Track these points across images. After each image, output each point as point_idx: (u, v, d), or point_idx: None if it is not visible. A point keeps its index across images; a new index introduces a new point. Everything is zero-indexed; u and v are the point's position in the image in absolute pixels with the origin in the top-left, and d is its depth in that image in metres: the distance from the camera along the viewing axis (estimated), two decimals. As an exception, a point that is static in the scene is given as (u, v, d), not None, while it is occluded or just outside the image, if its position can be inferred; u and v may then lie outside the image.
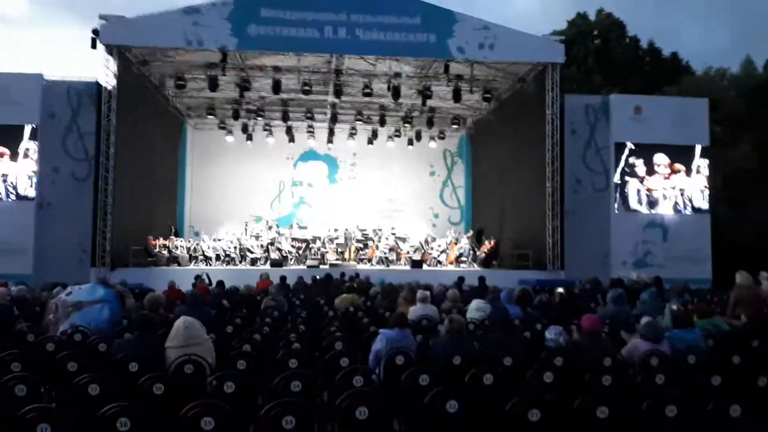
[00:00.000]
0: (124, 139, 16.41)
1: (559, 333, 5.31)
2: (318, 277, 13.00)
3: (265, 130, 22.11)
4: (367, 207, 23.35)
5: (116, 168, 16.20)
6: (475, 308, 7.45)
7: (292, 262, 18.93)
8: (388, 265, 18.81)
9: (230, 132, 22.17)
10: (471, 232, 20.68)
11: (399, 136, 22.71)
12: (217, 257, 18.71)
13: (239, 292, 10.11)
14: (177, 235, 20.06)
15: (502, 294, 7.80)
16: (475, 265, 19.11)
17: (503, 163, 20.41)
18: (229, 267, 18.17)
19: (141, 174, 18.14)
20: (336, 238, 19.86)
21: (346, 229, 20.08)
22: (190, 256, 18.57)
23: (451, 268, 18.89)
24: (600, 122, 19.83)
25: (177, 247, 18.55)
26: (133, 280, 12.94)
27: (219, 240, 19.46)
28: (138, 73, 17.17)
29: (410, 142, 23.02)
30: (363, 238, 20.21)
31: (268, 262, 18.40)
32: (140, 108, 17.47)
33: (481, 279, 11.40)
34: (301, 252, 19.32)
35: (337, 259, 19.08)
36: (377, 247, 19.55)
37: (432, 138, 22.92)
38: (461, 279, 11.70)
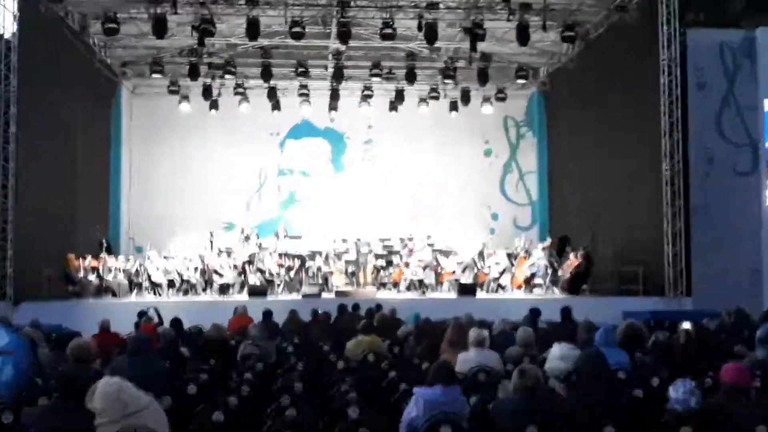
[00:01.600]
0: (30, 112, 16.69)
1: (688, 390, 5.27)
2: (320, 310, 13.07)
3: (237, 94, 22.38)
4: (390, 205, 23.53)
5: (19, 155, 16.47)
6: (558, 355, 7.36)
7: (280, 290, 19.09)
8: (423, 292, 18.88)
9: (185, 98, 22.46)
10: (549, 241, 20.60)
11: (436, 98, 22.79)
12: (171, 283, 18.94)
13: (204, 335, 10.16)
14: (110, 251, 20.24)
15: (597, 333, 7.73)
16: (555, 290, 19.07)
17: (595, 136, 20.41)
18: (188, 298, 18.39)
19: (56, 163, 18.48)
20: (345, 253, 20.01)
21: (358, 240, 20.22)
22: (131, 282, 18.85)
23: (520, 295, 18.85)
24: (742, 70, 19.48)
25: (111, 270, 18.83)
26: (48, 319, 12.94)
27: (172, 258, 19.67)
28: (49, 14, 17.38)
29: (453, 107, 23.10)
30: (385, 253, 20.32)
31: (245, 289, 18.56)
32: (53, 66, 17.77)
33: (566, 311, 11.38)
34: (293, 274, 19.46)
35: (347, 284, 19.22)
36: (407, 266, 19.62)
37: (487, 100, 22.97)
38: (535, 312, 11.65)
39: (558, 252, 20.46)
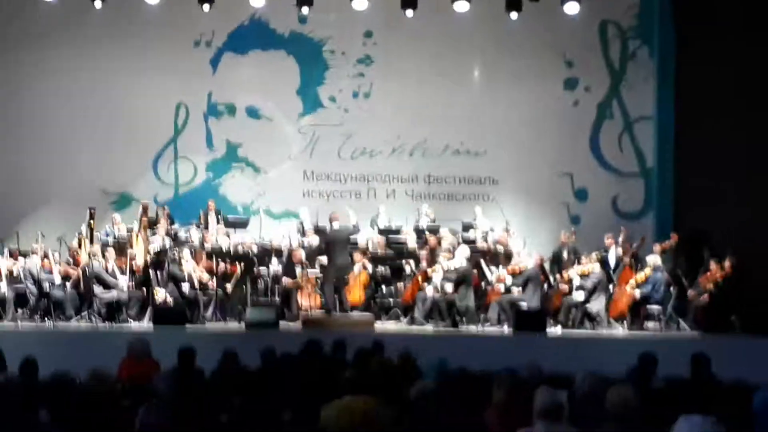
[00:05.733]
0: None
1: None
2: (277, 351, 12.85)
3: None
4: (399, 173, 23.85)
5: None
6: (687, 436, 7.27)
7: (208, 313, 19.14)
8: (455, 323, 18.86)
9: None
10: (673, 240, 20.56)
11: (484, -13, 22.49)
12: (20, 300, 19.00)
13: (78, 387, 10.01)
14: None
15: (756, 398, 7.74)
16: (682, 323, 19.09)
17: (760, 52, 20.33)
18: (49, 324, 18.47)
19: None
20: (320, 252, 20.08)
21: (336, 228, 19.87)
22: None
23: (622, 331, 18.90)
24: None
25: None
26: None
27: (24, 257, 19.73)
28: None
29: (514, 4, 22.78)
30: (390, 254, 20.50)
31: (148, 311, 18.62)
32: None
33: (700, 360, 11.31)
34: (230, 287, 19.47)
35: (322, 307, 19.28)
36: (427, 277, 19.55)
37: (569, -8, 22.65)
38: (648, 360, 11.54)
39: (688, 260, 20.49)
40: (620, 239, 20.66)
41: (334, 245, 19.45)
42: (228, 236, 20.93)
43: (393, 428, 8.66)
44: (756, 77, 20.62)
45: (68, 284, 19.15)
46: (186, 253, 19.59)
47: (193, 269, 19.28)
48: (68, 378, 10.60)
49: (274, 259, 20.29)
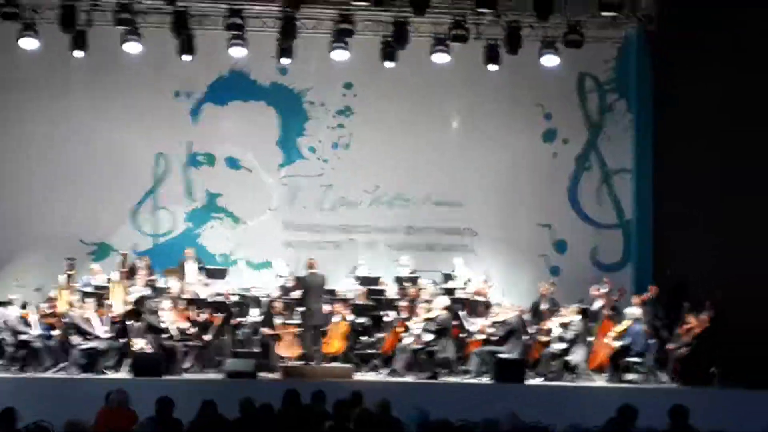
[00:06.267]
0: None
1: None
2: (256, 402, 12.78)
3: (119, 23, 22.12)
4: (378, 222, 23.81)
5: None
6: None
7: (187, 363, 19.07)
8: (434, 375, 18.85)
9: (30, 27, 22.15)
10: (652, 292, 20.61)
11: (462, 38, 22.57)
12: None
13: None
14: None
15: None
16: (661, 375, 19.10)
17: (737, 111, 20.52)
18: (27, 374, 18.45)
19: None
20: (298, 302, 20.09)
21: (315, 277, 20.09)
22: None
23: (602, 382, 18.90)
24: None
25: None
26: None
27: (0, 306, 19.60)
28: None
29: (491, 56, 22.96)
30: (370, 304, 20.44)
31: (127, 360, 18.51)
32: None
33: (679, 413, 11.25)
34: (210, 337, 19.40)
35: (303, 357, 19.25)
36: (405, 327, 19.60)
37: (549, 45, 22.79)
38: (628, 412, 11.47)
39: (668, 310, 20.48)
40: (605, 290, 20.67)
41: (310, 291, 19.46)
42: (207, 286, 20.84)
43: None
44: (734, 130, 20.66)
45: (48, 333, 19.03)
46: (165, 303, 19.55)
47: (172, 319, 19.23)
48: (46, 428, 10.55)
49: (254, 309, 20.20)
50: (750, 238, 20.15)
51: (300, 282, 20.11)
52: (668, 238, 23.04)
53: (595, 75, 24.35)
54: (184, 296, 20.14)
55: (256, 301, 20.49)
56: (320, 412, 12.00)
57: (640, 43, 23.94)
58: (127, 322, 19.27)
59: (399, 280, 21.15)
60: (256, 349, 19.49)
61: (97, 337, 18.94)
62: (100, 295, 19.98)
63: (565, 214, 24.24)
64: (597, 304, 20.41)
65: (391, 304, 20.48)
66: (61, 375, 18.36)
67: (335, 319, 19.80)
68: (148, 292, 20.02)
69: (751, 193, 20.15)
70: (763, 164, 19.72)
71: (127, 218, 23.56)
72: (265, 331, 19.62)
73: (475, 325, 19.87)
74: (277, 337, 19.49)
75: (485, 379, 18.66)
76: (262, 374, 18.45)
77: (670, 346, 19.32)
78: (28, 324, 19.08)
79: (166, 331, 19.04)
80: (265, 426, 11.73)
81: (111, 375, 18.33)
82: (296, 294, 20.17)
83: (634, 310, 19.68)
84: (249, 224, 23.78)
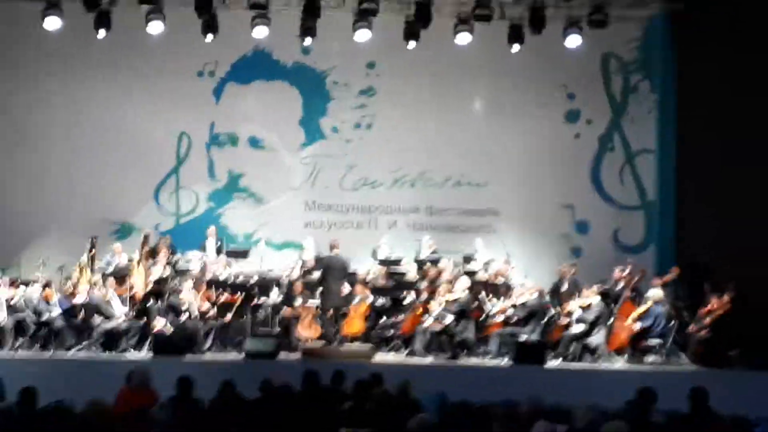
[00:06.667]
0: None
1: None
2: (275, 382, 12.81)
3: (143, 1, 22.12)
4: (400, 202, 23.87)
5: None
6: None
7: (207, 343, 19.12)
8: (455, 355, 18.90)
9: (54, 5, 22.18)
10: (673, 273, 20.55)
11: (486, 18, 22.46)
12: (19, 328, 18.95)
13: (74, 418, 10.01)
14: None
15: None
16: (682, 357, 19.08)
17: (761, 85, 20.41)
18: (48, 354, 18.53)
19: None
20: (319, 283, 20.11)
21: (336, 258, 20.13)
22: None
23: (622, 364, 18.86)
24: None
25: None
26: None
27: (24, 286, 19.73)
28: None
29: (515, 35, 22.83)
30: (390, 284, 20.50)
31: (148, 341, 18.61)
32: None
33: (699, 395, 11.16)
34: (230, 317, 19.46)
35: (321, 338, 19.26)
36: (427, 308, 19.57)
37: (573, 24, 22.69)
38: (647, 395, 11.44)
39: (689, 292, 20.45)
40: (626, 272, 20.59)
41: (330, 272, 19.46)
42: (228, 266, 20.91)
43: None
44: (758, 111, 20.59)
45: (69, 312, 19.10)
46: (186, 283, 19.63)
47: (193, 299, 19.29)
48: (66, 408, 10.61)
49: (275, 289, 20.24)
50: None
51: (319, 262, 20.13)
52: (691, 219, 22.96)
53: (620, 55, 24.23)
54: (206, 277, 20.21)
55: (276, 282, 20.49)
56: (340, 393, 12.07)
57: (665, 24, 23.88)
58: (148, 303, 19.41)
59: (419, 262, 21.15)
60: (276, 330, 19.55)
61: (117, 317, 19.06)
62: (121, 275, 20.09)
63: (588, 195, 24.22)
64: (619, 286, 20.31)
65: (411, 285, 20.48)
66: (83, 355, 18.44)
67: (356, 300, 19.82)
68: (169, 272, 20.11)
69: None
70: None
71: (150, 198, 23.67)
72: (286, 311, 19.69)
73: (495, 306, 19.85)
74: (297, 318, 19.54)
75: (505, 361, 18.62)
76: (282, 354, 18.46)
77: (691, 328, 19.23)
78: (50, 303, 19.18)
79: (186, 311, 19.11)
80: (284, 406, 11.76)
81: (132, 355, 18.41)
82: (316, 274, 20.23)
83: (655, 292, 19.58)
84: (271, 204, 23.85)
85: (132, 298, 19.48)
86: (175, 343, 18.21)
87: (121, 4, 22.26)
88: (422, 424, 9.60)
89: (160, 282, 19.74)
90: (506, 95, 24.03)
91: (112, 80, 23.33)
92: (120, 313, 19.11)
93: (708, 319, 19.00)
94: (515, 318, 19.48)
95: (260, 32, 22.37)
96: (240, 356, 18.34)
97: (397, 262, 21.17)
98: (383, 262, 21.17)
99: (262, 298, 20.12)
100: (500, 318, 19.62)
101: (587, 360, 19.04)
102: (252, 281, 20.25)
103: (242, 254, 21.63)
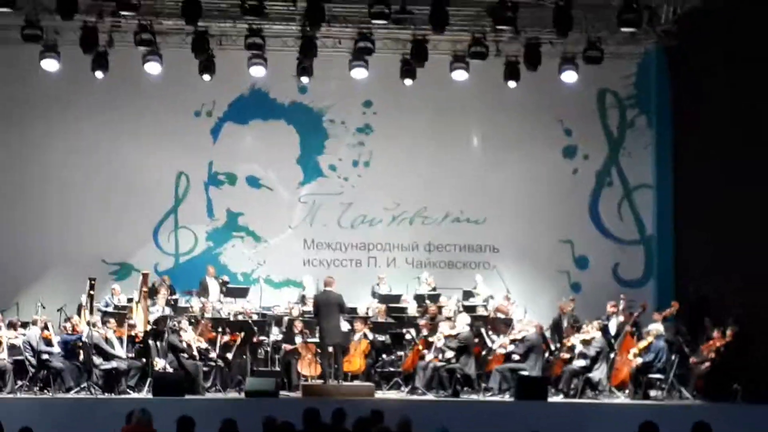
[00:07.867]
0: None
1: None
2: (276, 420, 12.77)
3: (140, 43, 22.15)
4: (398, 240, 23.87)
5: None
6: None
7: (208, 382, 19.07)
8: (456, 392, 18.81)
9: (52, 48, 22.24)
10: (674, 306, 20.47)
11: (482, 55, 22.52)
12: (19, 369, 18.85)
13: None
14: None
15: None
16: (684, 391, 18.97)
17: (761, 126, 20.41)
18: (49, 394, 18.39)
19: None
20: (317, 322, 19.77)
21: (329, 294, 19.65)
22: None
23: (623, 399, 18.79)
24: None
25: None
26: None
27: (23, 327, 19.62)
28: None
29: (511, 72, 22.93)
30: (390, 321, 20.43)
31: (148, 382, 18.51)
32: None
33: (700, 429, 10.94)
34: (231, 356, 19.43)
35: (322, 376, 19.14)
36: (427, 345, 19.56)
37: (569, 61, 22.79)
38: (649, 429, 11.37)
39: (690, 327, 20.36)
40: (621, 307, 20.54)
41: (322, 308, 19.40)
42: (228, 304, 20.92)
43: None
44: (755, 144, 20.62)
45: (69, 353, 18.97)
46: (185, 322, 19.57)
47: (192, 339, 19.23)
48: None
49: (275, 328, 20.19)
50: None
51: (314, 300, 20.13)
52: (689, 253, 23.02)
53: (615, 91, 24.36)
54: (206, 315, 20.20)
55: (277, 320, 20.45)
56: (341, 431, 12.02)
57: (660, 59, 23.98)
58: (148, 342, 19.31)
59: (419, 298, 21.11)
60: (276, 368, 19.48)
61: (118, 357, 18.97)
62: (121, 315, 20.02)
63: (587, 230, 24.25)
64: (614, 320, 20.27)
65: (411, 322, 20.44)
66: (83, 395, 18.30)
67: (356, 337, 19.79)
68: (169, 312, 20.05)
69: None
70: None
71: (149, 237, 23.68)
72: (286, 348, 19.64)
73: (496, 342, 19.83)
74: (297, 356, 19.52)
75: (507, 397, 18.56)
76: (283, 393, 18.41)
77: (692, 362, 19.17)
78: (50, 344, 19.10)
79: (187, 350, 19.06)
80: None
81: (132, 395, 18.32)
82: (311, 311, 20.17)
83: (657, 327, 19.48)
84: (270, 242, 23.84)
85: (132, 338, 19.41)
86: (175, 383, 18.05)
87: (119, 45, 22.34)
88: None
89: (160, 321, 19.63)
90: (503, 131, 24.10)
91: (110, 121, 23.38)
92: (120, 354, 19.01)
93: (709, 353, 18.94)
94: (515, 353, 19.38)
95: (257, 72, 22.53)
96: (241, 395, 18.28)
97: (397, 299, 21.14)
98: (383, 299, 21.14)
99: (263, 337, 20.04)
100: (501, 351, 19.56)
101: (589, 395, 18.96)
102: (252, 320, 20.18)
103: (242, 292, 21.58)
